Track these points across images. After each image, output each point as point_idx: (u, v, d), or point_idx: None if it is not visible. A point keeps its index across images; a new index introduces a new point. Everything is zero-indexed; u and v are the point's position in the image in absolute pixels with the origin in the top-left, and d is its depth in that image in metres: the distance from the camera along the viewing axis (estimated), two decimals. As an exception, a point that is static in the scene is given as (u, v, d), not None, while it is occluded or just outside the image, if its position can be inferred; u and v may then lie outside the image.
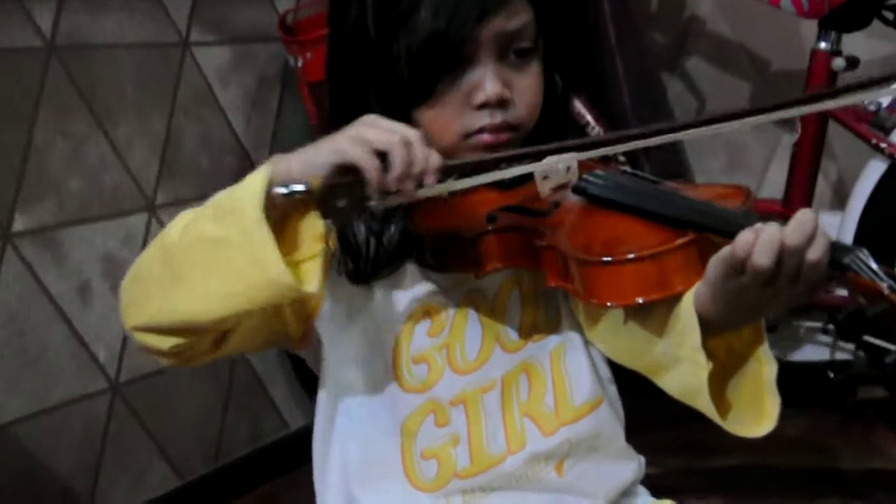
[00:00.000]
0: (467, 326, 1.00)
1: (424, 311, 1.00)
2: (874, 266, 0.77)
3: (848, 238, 1.76)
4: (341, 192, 0.85)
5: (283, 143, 1.99)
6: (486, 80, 0.95)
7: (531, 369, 1.00)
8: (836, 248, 0.78)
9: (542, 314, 1.01)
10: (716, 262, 0.80)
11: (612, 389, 1.05)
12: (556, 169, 0.91)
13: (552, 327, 1.01)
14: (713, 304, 0.81)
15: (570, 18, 1.01)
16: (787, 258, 0.77)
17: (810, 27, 1.79)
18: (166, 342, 0.89)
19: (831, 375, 1.86)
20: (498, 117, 0.95)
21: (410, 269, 0.99)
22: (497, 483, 0.99)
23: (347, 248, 0.98)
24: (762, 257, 0.77)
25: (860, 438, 1.93)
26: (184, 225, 0.88)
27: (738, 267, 0.78)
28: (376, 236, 0.98)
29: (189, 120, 1.81)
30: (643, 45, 2.06)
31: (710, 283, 0.80)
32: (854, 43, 1.80)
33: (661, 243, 0.82)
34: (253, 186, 0.84)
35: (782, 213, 1.83)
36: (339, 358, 1.01)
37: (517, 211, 0.93)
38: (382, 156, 0.86)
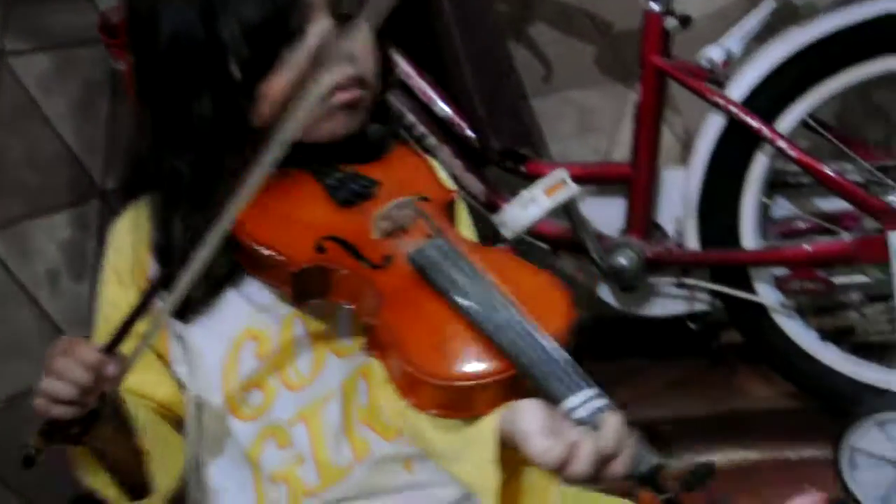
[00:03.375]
0: (296, 339, 0.98)
1: (249, 334, 0.97)
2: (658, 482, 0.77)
3: (693, 195, 1.78)
4: (54, 431, 0.88)
5: (120, 147, 1.90)
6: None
7: (369, 372, 0.98)
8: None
9: (374, 314, 0.99)
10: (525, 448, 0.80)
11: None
12: (396, 214, 0.91)
13: (387, 326, 1.00)
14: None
15: None
16: (600, 466, 0.78)
17: (647, -14, 1.79)
18: None
19: (692, 326, 1.90)
20: (349, 70, 0.93)
21: (230, 293, 0.97)
22: (351, 492, 0.97)
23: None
24: (580, 467, 0.78)
25: (724, 382, 1.98)
26: None
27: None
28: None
29: (11, 135, 1.72)
30: (483, 18, 2.04)
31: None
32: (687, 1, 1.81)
33: (486, 375, 0.82)
34: None
35: (629, 175, 1.83)
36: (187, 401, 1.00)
37: (347, 249, 0.91)
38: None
